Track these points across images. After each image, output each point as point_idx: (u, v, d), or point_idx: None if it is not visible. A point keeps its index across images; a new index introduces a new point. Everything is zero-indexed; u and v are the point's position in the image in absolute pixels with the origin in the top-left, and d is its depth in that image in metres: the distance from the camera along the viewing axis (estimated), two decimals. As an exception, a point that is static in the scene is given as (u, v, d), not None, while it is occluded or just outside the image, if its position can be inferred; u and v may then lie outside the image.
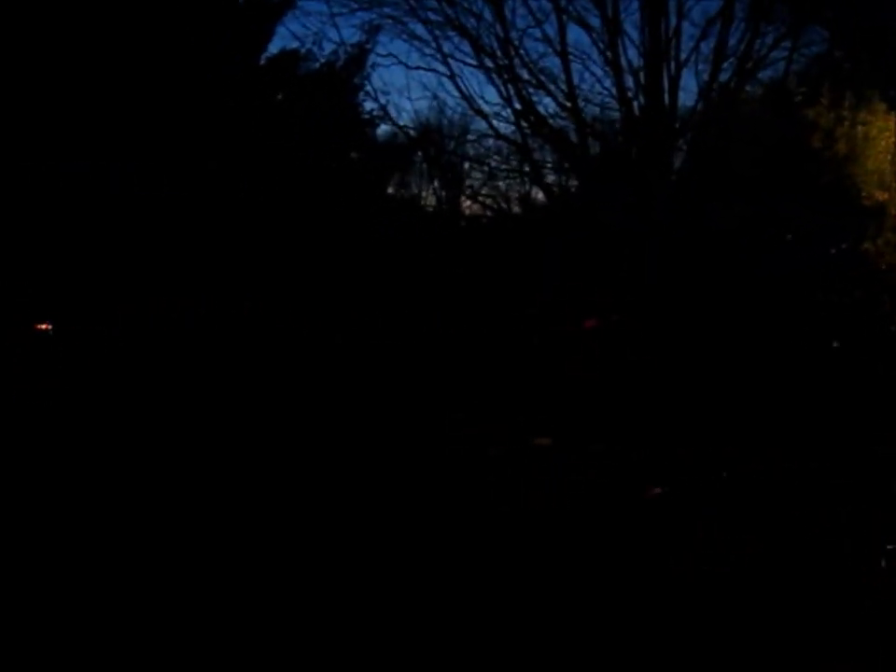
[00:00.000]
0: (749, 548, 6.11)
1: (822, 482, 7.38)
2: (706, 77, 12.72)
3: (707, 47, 12.69)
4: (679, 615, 5.22)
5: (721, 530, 6.50)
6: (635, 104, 12.88)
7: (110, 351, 10.87)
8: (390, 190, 15.38)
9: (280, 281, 12.01)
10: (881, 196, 9.90)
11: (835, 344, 9.51)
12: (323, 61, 13.51)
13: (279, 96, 13.45)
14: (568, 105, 13.22)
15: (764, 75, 13.04)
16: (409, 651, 5.03)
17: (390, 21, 13.35)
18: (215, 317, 11.38)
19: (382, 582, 5.79)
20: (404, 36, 13.50)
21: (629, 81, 12.83)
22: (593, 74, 13.24)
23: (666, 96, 12.69)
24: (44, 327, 11.49)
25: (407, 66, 13.71)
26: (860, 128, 9.92)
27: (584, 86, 13.30)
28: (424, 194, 16.18)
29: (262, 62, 13.21)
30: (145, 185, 11.02)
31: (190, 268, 11.44)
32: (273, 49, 13.43)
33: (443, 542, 6.49)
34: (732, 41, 12.66)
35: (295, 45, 13.40)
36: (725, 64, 12.73)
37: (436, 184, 15.79)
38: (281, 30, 13.61)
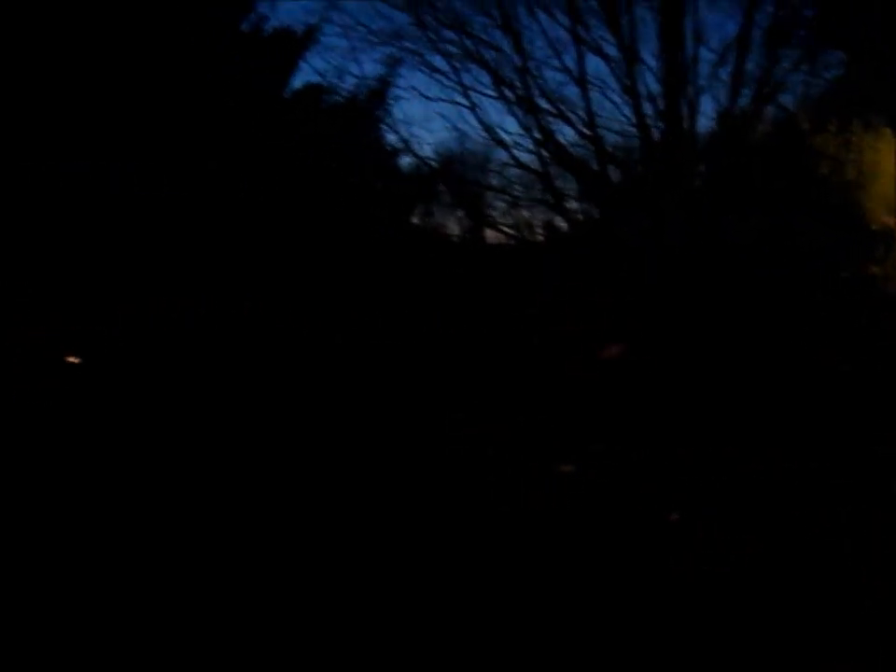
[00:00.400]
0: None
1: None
2: (724, 101, 12.86)
3: (725, 72, 12.82)
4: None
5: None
6: (654, 130, 13.01)
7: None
8: (414, 220, 15.58)
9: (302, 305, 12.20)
10: (889, 220, 9.96)
11: (843, 366, 9.52)
12: (346, 94, 13.81)
13: (303, 129, 13.69)
14: (588, 133, 13.35)
15: (784, 98, 13.16)
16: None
17: (410, 54, 13.59)
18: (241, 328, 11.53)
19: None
20: (424, 69, 13.69)
21: (648, 108, 12.97)
22: (612, 101, 13.28)
23: (685, 122, 12.81)
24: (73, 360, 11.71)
25: (428, 98, 13.91)
26: (867, 154, 10.00)
27: (603, 114, 13.34)
28: (448, 224, 16.35)
29: (287, 95, 13.50)
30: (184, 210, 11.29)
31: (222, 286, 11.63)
32: (297, 83, 13.75)
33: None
34: (750, 66, 12.78)
35: (318, 79, 13.69)
36: (744, 89, 12.86)
37: (459, 213, 15.95)
38: (304, 66, 13.88)
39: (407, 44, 13.46)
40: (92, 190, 10.74)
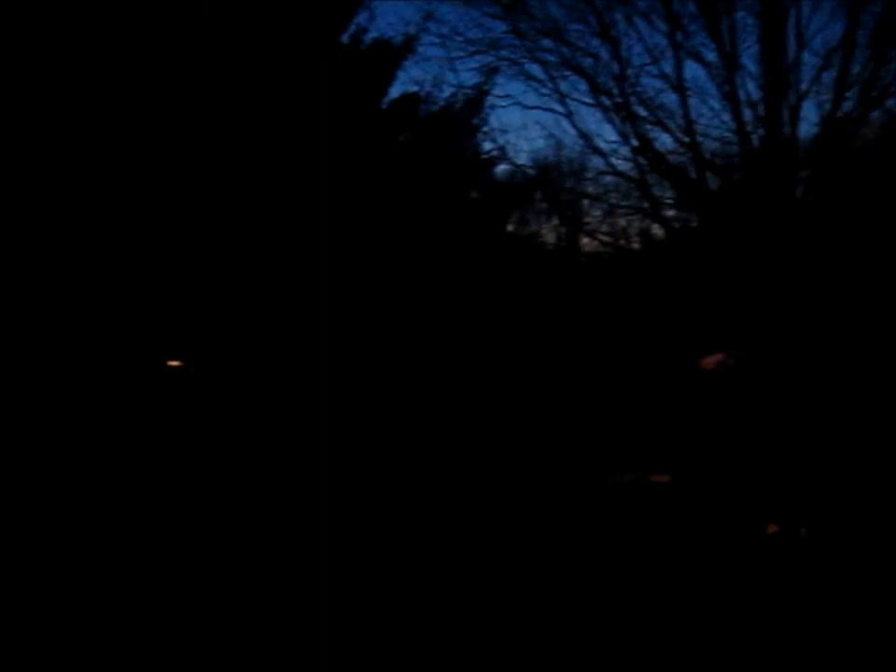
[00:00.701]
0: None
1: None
2: (828, 106, 12.56)
3: (828, 76, 12.52)
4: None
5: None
6: (753, 136, 12.77)
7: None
8: (509, 228, 15.61)
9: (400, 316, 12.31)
10: None
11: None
12: (442, 103, 13.90)
13: (400, 138, 13.84)
14: (686, 139, 13.19)
15: (892, 103, 12.77)
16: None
17: (507, 62, 13.63)
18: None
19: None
20: (521, 77, 13.75)
21: (748, 114, 12.75)
22: (710, 108, 13.09)
23: (786, 128, 12.55)
24: (175, 363, 12.04)
25: (524, 106, 13.99)
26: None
27: (702, 121, 13.16)
28: (543, 232, 16.35)
29: (384, 105, 13.65)
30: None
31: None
32: (395, 93, 13.90)
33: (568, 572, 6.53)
34: (855, 69, 12.45)
35: (415, 88, 13.83)
36: (849, 93, 12.53)
37: (555, 221, 15.93)
38: (402, 75, 14.01)
39: (504, 52, 13.54)
40: (192, 200, 11.02)
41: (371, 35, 13.49)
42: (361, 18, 13.48)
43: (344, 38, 13.73)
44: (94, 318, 10.35)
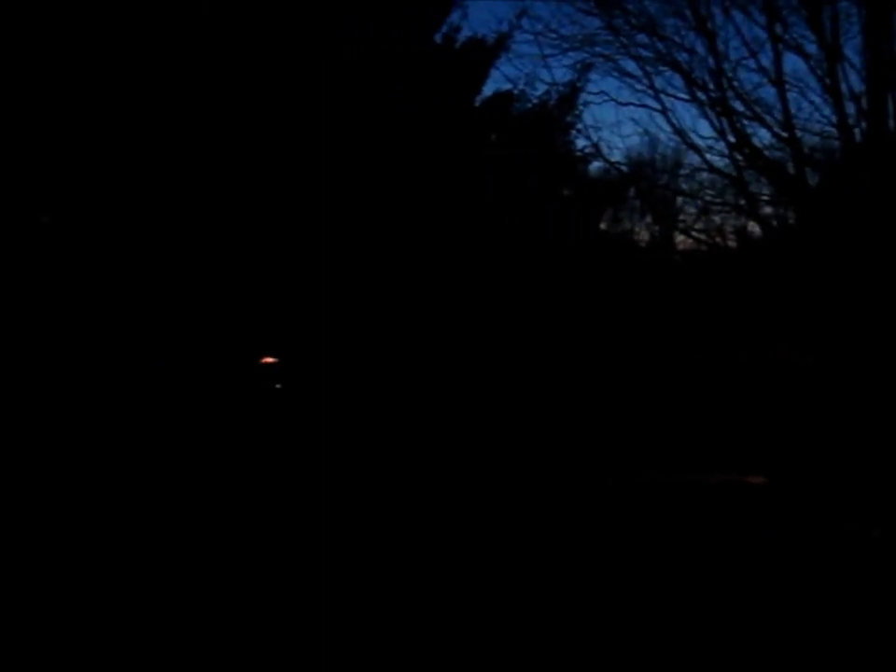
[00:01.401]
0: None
1: None
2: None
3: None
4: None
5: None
6: (856, 131, 12.42)
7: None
8: (602, 226, 15.48)
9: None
10: None
11: None
12: (535, 101, 13.83)
13: (493, 136, 13.84)
14: (785, 135, 12.88)
15: None
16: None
17: (601, 59, 13.52)
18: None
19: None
20: (615, 74, 13.62)
21: (850, 108, 12.39)
22: (810, 102, 12.77)
23: (892, 121, 12.16)
24: (270, 360, 12.24)
25: (618, 103, 13.85)
26: None
27: (801, 115, 12.83)
28: (636, 229, 16.19)
29: (477, 103, 13.68)
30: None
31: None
32: (488, 91, 13.91)
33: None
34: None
35: (508, 86, 13.80)
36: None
37: (648, 219, 15.76)
38: (495, 73, 14.00)
39: (598, 49, 13.43)
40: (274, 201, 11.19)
41: (465, 33, 13.55)
42: (454, 17, 13.56)
43: (437, 38, 13.84)
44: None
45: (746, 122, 13.03)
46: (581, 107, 13.90)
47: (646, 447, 11.01)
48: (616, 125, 18.06)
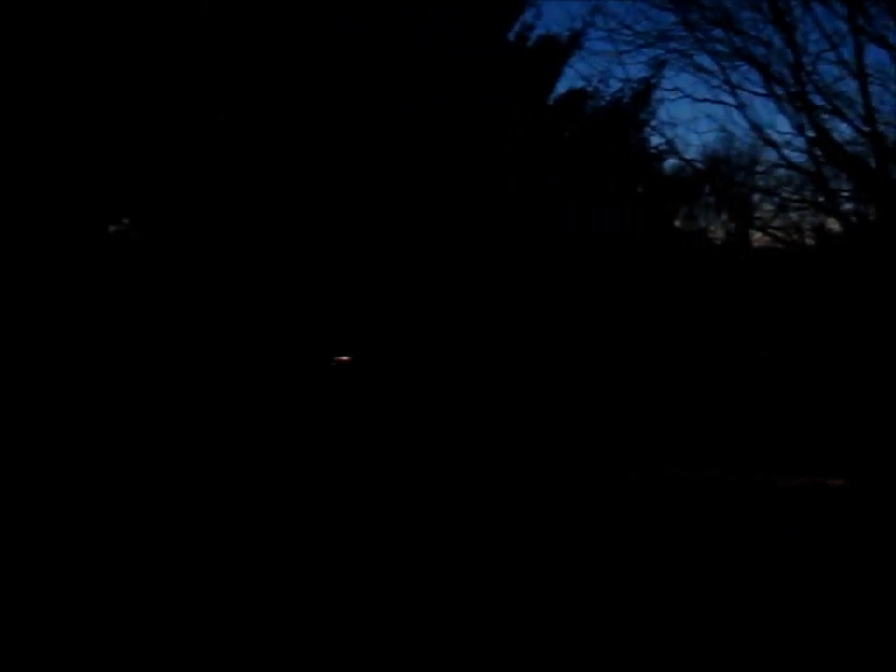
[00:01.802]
0: None
1: None
2: None
3: None
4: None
5: None
6: (943, 124, 12.14)
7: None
8: (677, 223, 15.32)
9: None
10: None
11: None
12: (609, 98, 13.78)
13: (566, 134, 13.80)
14: (866, 129, 12.64)
15: None
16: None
17: (676, 55, 13.40)
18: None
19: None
20: (690, 69, 13.50)
21: (936, 101, 12.13)
22: (894, 95, 12.53)
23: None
24: (343, 359, 12.33)
25: (693, 99, 13.71)
26: None
27: (884, 108, 12.59)
28: (711, 227, 15.97)
29: (551, 101, 13.65)
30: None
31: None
32: (561, 89, 13.89)
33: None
34: None
35: (582, 84, 13.77)
36: None
37: (723, 216, 15.54)
38: (569, 71, 13.98)
39: (673, 45, 13.31)
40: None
41: (538, 32, 13.55)
42: (528, 15, 13.56)
43: (510, 36, 13.84)
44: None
45: (825, 117, 12.85)
46: (655, 104, 13.82)
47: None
48: (691, 122, 17.90)
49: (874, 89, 12.49)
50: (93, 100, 10.66)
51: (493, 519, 7.75)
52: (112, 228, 11.43)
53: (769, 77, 12.90)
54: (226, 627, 5.33)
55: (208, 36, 11.34)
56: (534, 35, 13.62)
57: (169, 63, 10.94)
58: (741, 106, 13.20)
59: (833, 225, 14.61)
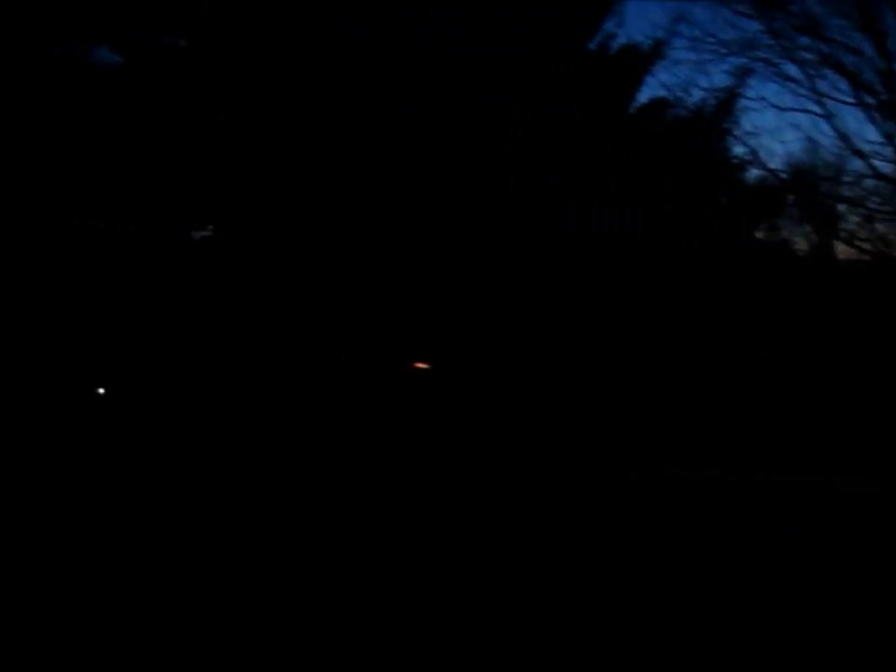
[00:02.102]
0: None
1: None
2: None
3: None
4: None
5: None
6: None
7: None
8: (759, 235, 15.05)
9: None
10: None
11: None
12: (692, 107, 13.60)
13: (648, 144, 13.66)
14: (960, 139, 12.32)
15: None
16: None
17: (762, 63, 13.20)
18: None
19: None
20: (776, 78, 13.29)
21: None
22: None
23: None
24: (421, 366, 12.36)
25: (779, 108, 13.51)
26: None
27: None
28: (795, 239, 15.67)
29: (632, 111, 13.54)
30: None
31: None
32: (643, 98, 13.75)
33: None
34: None
35: (664, 94, 13.61)
36: None
37: (808, 228, 15.24)
38: (651, 80, 13.82)
39: (758, 53, 13.11)
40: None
41: (620, 41, 13.44)
42: (609, 24, 13.46)
43: (592, 46, 13.76)
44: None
45: (918, 126, 12.55)
46: (738, 113, 13.62)
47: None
48: (776, 131, 17.53)
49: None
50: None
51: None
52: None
53: (858, 86, 12.68)
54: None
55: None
56: (616, 45, 13.52)
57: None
58: (828, 116, 12.99)
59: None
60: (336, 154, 11.14)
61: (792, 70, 13.07)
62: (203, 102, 11.51)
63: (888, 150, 12.88)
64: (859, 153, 13.12)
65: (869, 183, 13.62)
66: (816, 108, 13.07)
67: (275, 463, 9.35)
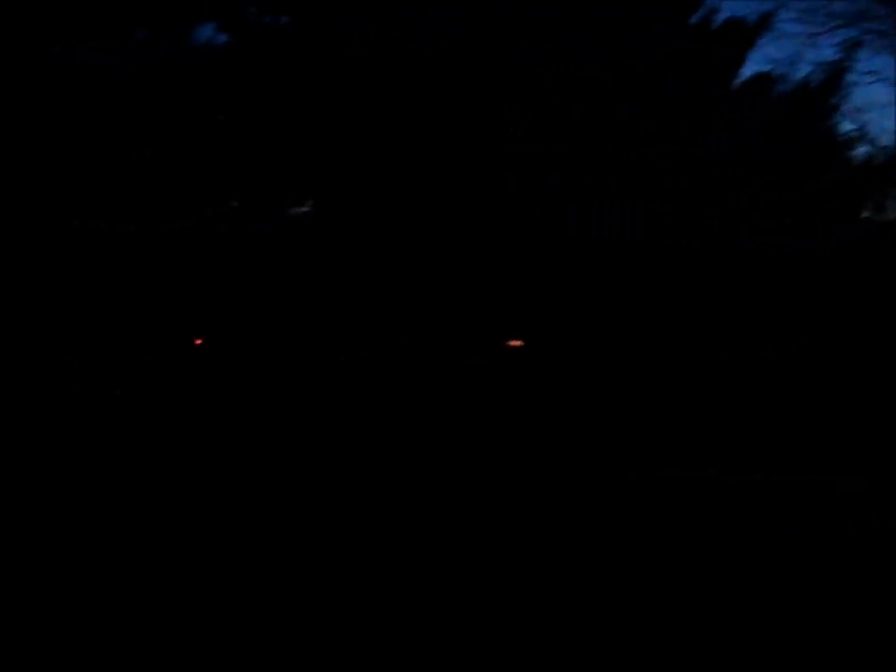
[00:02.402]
0: None
1: None
2: None
3: None
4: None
5: None
6: None
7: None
8: (865, 214, 14.62)
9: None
10: None
11: None
12: (797, 82, 13.28)
13: (751, 120, 13.39)
14: None
15: None
16: None
17: (874, 35, 12.80)
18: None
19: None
20: (889, 51, 12.87)
21: None
22: None
23: None
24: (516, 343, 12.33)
25: (892, 83, 13.07)
26: None
27: None
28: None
29: (735, 86, 13.28)
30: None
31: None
32: (747, 72, 13.46)
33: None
34: None
35: (769, 68, 13.31)
36: None
37: (918, 208, 14.69)
38: (755, 55, 13.50)
39: (871, 25, 12.73)
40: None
41: (724, 14, 13.18)
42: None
43: (694, 20, 13.51)
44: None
45: None
46: (848, 88, 13.24)
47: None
48: (888, 106, 16.90)
49: None
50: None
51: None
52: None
53: (976, 59, 12.16)
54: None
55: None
56: (719, 19, 13.24)
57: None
58: (944, 90, 12.50)
59: None
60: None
61: (907, 42, 12.64)
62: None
63: None
64: (974, 129, 12.63)
65: None
66: (931, 82, 12.63)
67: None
